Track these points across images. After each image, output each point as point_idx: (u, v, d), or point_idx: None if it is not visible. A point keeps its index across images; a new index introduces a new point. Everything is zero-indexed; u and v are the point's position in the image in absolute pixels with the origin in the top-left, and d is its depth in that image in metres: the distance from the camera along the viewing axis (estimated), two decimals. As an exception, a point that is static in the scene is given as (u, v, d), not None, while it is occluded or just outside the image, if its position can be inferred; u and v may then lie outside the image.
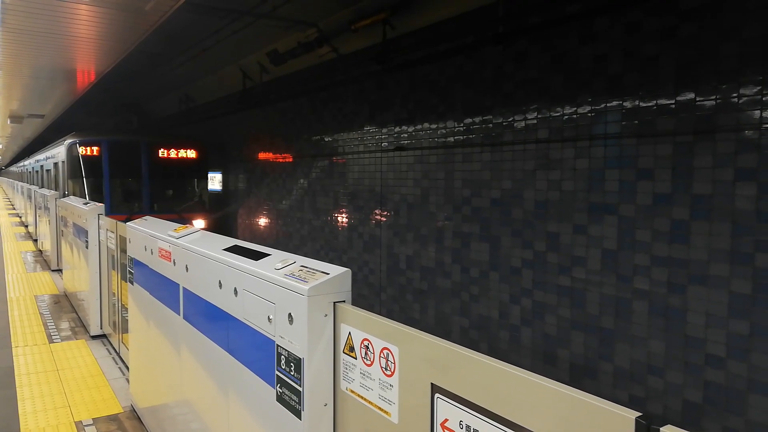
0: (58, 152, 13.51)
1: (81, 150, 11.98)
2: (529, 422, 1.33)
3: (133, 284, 4.32)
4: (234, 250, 2.78)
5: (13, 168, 46.05)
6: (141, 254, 4.06)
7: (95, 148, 12.11)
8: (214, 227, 13.17)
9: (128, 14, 6.15)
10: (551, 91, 5.60)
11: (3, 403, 4.51)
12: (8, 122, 16.01)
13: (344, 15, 7.74)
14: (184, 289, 3.22)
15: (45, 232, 11.81)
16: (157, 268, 3.69)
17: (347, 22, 7.58)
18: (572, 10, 5.30)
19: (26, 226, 18.56)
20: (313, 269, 2.16)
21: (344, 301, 2.05)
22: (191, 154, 13.23)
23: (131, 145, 12.61)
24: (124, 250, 4.86)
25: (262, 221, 12.17)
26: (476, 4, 6.27)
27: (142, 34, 6.90)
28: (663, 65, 4.66)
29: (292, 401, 2.09)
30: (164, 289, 3.54)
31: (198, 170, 13.54)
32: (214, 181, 14.16)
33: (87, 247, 6.41)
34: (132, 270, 4.33)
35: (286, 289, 2.11)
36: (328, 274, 2.06)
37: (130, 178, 12.66)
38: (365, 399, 1.91)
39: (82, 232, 6.68)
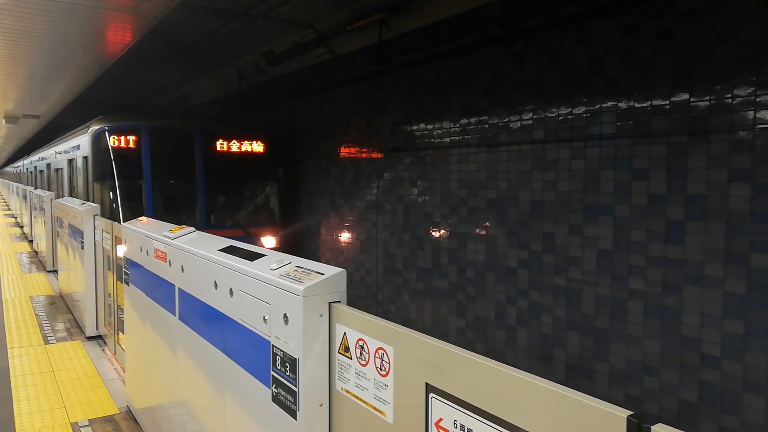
0: (77, 145, 10.08)
1: (112, 141, 8.55)
2: (523, 421, 1.34)
3: (128, 285, 4.31)
4: (229, 250, 2.78)
5: (8, 168, 45.55)
6: (137, 255, 4.05)
7: (132, 139, 8.67)
8: (289, 247, 9.93)
9: (124, 14, 6.14)
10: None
11: (-2, 405, 4.50)
12: (3, 122, 15.95)
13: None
14: (179, 289, 3.22)
15: (40, 232, 11.78)
16: (153, 268, 3.68)
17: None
18: (569, 11, 5.32)
19: (22, 227, 18.50)
20: (309, 269, 2.16)
21: (339, 302, 2.06)
22: (257, 147, 9.74)
23: (181, 135, 9.16)
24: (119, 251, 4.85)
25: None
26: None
27: (138, 34, 6.90)
28: (658, 66, 4.68)
29: (287, 401, 2.09)
30: (160, 290, 3.54)
31: (266, 169, 10.05)
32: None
33: (82, 248, 6.40)
34: (128, 271, 4.33)
35: (281, 290, 2.12)
36: (323, 274, 2.07)
37: (179, 180, 9.26)
38: (360, 399, 1.91)
39: (77, 233, 6.66)
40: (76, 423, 4.21)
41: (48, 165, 15.34)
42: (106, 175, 8.65)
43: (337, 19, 7.88)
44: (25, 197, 16.63)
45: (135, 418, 4.25)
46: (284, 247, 9.70)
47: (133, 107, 16.60)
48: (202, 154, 9.18)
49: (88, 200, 8.77)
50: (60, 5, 5.83)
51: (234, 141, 9.48)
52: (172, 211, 9.05)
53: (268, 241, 9.53)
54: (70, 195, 10.96)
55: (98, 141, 8.74)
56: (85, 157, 9.23)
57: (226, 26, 8.34)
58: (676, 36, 4.56)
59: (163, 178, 9.02)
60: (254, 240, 9.10)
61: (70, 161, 11.07)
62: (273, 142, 10.01)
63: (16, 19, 6.32)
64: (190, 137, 9.11)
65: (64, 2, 5.74)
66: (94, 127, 8.84)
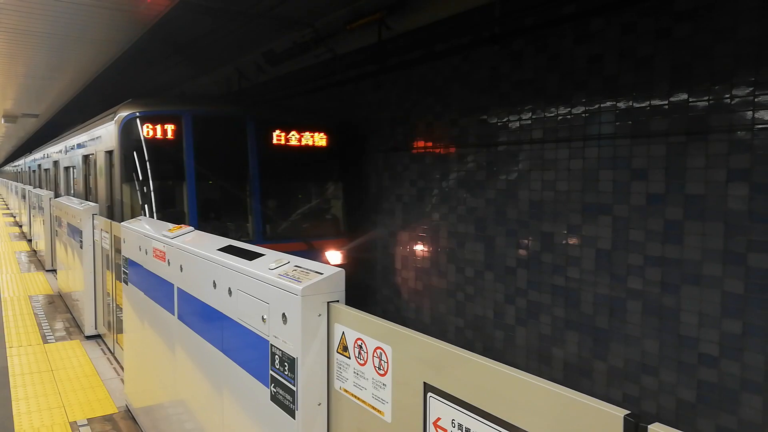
0: (97, 137, 8.18)
1: (146, 130, 6.73)
2: (520, 420, 1.34)
3: (127, 284, 4.31)
4: (228, 250, 2.78)
5: (7, 168, 45.23)
6: (135, 254, 4.05)
7: (170, 128, 6.82)
8: (357, 264, 8.21)
9: (123, 14, 6.14)
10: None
11: (-3, 404, 4.50)
12: (2, 121, 15.94)
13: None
14: (178, 289, 3.22)
15: (39, 232, 11.77)
16: (152, 268, 3.68)
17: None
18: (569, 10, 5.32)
19: (20, 226, 18.49)
20: (307, 269, 2.16)
21: (338, 301, 2.06)
22: (320, 140, 7.85)
23: (232, 123, 7.27)
24: (118, 250, 4.85)
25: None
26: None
27: (138, 33, 6.90)
28: (657, 66, 4.68)
29: (286, 401, 2.10)
30: (159, 289, 3.54)
31: (330, 167, 8.10)
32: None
33: (81, 247, 6.40)
34: (126, 270, 4.33)
35: (279, 289, 2.12)
36: (321, 273, 2.07)
37: (229, 181, 7.32)
38: (359, 398, 1.92)
39: (76, 232, 6.66)
40: (75, 422, 4.21)
41: (55, 163, 13.38)
42: (137, 175, 6.77)
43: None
44: (23, 196, 16.61)
45: (134, 418, 4.25)
46: (352, 263, 7.92)
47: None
48: (257, 147, 7.30)
49: (112, 206, 7.33)
50: (60, 4, 5.83)
51: (293, 132, 7.59)
52: (221, 219, 7.18)
53: (333, 256, 7.71)
54: (85, 198, 9.24)
55: (128, 131, 6.79)
56: (109, 152, 7.38)
57: (225, 25, 8.34)
58: (675, 34, 4.57)
59: (210, 178, 7.11)
60: (318, 255, 7.39)
61: (86, 157, 9.19)
62: (337, 133, 8.11)
63: (15, 18, 6.31)
64: (242, 126, 7.24)
65: (63, 1, 5.74)
66: (123, 114, 6.82)
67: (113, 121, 7.08)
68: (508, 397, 1.37)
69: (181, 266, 3.16)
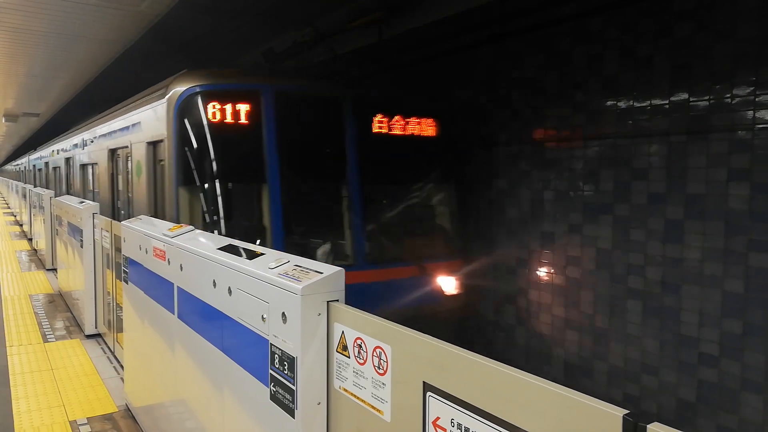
0: (134, 123, 6.18)
1: (211, 112, 4.76)
2: (520, 420, 1.34)
3: (127, 283, 4.32)
4: (228, 249, 2.78)
5: (8, 167, 45.03)
6: (136, 253, 4.06)
7: (244, 109, 4.83)
8: (479, 295, 6.37)
9: (124, 13, 6.14)
10: None
11: (-3, 403, 4.50)
12: (3, 121, 15.95)
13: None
14: (178, 288, 3.22)
15: (40, 231, 11.77)
16: (152, 267, 3.69)
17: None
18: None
19: (21, 225, 18.50)
20: (307, 268, 2.16)
21: (338, 300, 2.06)
22: (428, 128, 5.79)
23: (324, 104, 5.29)
24: (119, 249, 4.86)
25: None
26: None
27: (138, 32, 6.89)
28: (657, 66, 4.67)
29: (285, 400, 2.10)
30: (159, 288, 3.54)
31: (439, 163, 5.99)
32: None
33: (82, 246, 6.40)
34: (127, 269, 4.33)
35: (279, 288, 2.12)
36: (321, 273, 2.07)
37: (322, 186, 5.33)
38: (358, 397, 1.92)
39: (77, 231, 6.66)
40: (75, 421, 4.21)
41: (68, 160, 11.48)
42: (200, 174, 4.80)
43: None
44: (24, 195, 16.61)
45: (134, 417, 4.25)
46: (471, 292, 5.89)
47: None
48: (357, 136, 5.25)
49: (165, 219, 4.84)
50: (60, 3, 5.83)
51: (396, 117, 5.51)
52: (315, 235, 5.12)
53: (449, 283, 5.58)
54: (116, 213, 7.26)
55: (187, 111, 4.82)
56: (153, 143, 5.51)
57: (225, 24, 8.34)
58: (675, 34, 4.55)
59: (301, 179, 5.04)
60: (434, 282, 5.47)
61: (113, 152, 7.26)
62: (447, 121, 6.00)
63: (16, 17, 6.32)
64: (337, 107, 5.23)
65: (64, 0, 5.74)
66: (179, 89, 4.87)
67: (164, 100, 5.07)
68: (507, 397, 1.37)
69: (181, 265, 3.16)
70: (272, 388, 2.19)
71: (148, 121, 5.63)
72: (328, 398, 2.08)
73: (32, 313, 7.39)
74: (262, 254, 2.53)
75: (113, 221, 5.49)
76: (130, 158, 6.35)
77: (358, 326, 1.91)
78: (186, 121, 4.86)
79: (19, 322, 6.89)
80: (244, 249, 2.71)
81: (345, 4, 7.34)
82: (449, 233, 5.95)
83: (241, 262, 2.48)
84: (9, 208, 27.34)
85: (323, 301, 2.04)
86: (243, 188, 5.04)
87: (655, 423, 1.08)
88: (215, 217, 4.78)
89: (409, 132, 5.64)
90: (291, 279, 2.09)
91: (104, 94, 13.74)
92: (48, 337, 6.35)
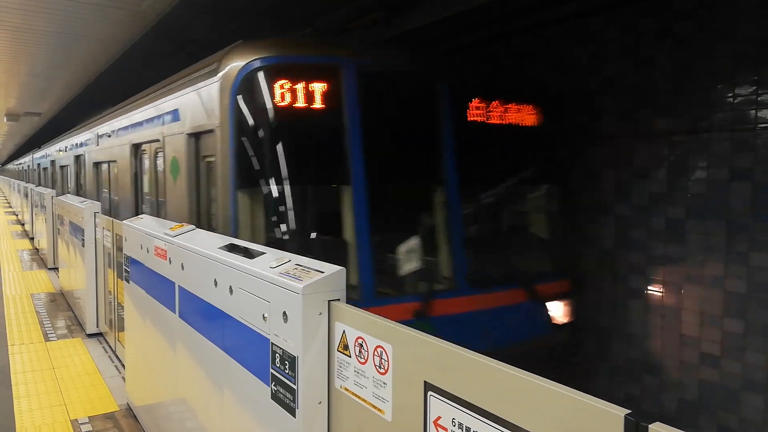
0: (170, 112, 5.01)
1: (279, 92, 3.55)
2: (521, 419, 1.34)
3: (129, 282, 4.32)
4: (230, 248, 2.78)
5: (10, 166, 44.95)
6: (137, 252, 4.06)
7: (320, 88, 3.63)
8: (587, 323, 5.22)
9: (125, 12, 6.15)
10: None
11: (-1, 401, 4.51)
12: (5, 120, 15.97)
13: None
14: (179, 287, 3.22)
15: (41, 230, 11.79)
16: (153, 266, 3.69)
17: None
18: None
19: (23, 224, 18.53)
20: (308, 268, 2.16)
21: (339, 300, 2.06)
22: (527, 117, 4.55)
23: (419, 85, 4.16)
24: (120, 249, 4.86)
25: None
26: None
27: (140, 32, 6.90)
28: (659, 66, 4.66)
29: (286, 399, 2.10)
30: (160, 288, 3.54)
31: (542, 160, 4.88)
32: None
33: (83, 246, 6.41)
34: (128, 268, 4.33)
35: (280, 288, 2.12)
36: (322, 272, 2.07)
37: (416, 183, 4.19)
38: (359, 397, 1.92)
39: (78, 231, 6.67)
40: (76, 420, 4.22)
41: (77, 158, 10.38)
42: (267, 172, 3.64)
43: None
44: (26, 195, 16.63)
45: (135, 416, 4.25)
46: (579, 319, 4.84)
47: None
48: (453, 124, 4.17)
49: (214, 231, 3.86)
50: (61, 2, 5.84)
51: (495, 103, 4.37)
52: (406, 251, 3.98)
53: (560, 312, 4.56)
54: (135, 213, 6.16)
55: (250, 91, 3.72)
56: (197, 135, 4.40)
57: (226, 24, 8.34)
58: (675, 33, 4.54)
59: (387, 183, 3.98)
60: (543, 308, 4.46)
61: (137, 147, 6.14)
62: (547, 110, 4.74)
63: (18, 17, 6.32)
64: (432, 88, 4.15)
65: (66, 0, 5.75)
66: (238, 63, 3.78)
67: (216, 78, 4.02)
68: (508, 396, 1.37)
69: (182, 264, 3.16)
70: (273, 387, 2.19)
71: (190, 107, 4.52)
72: (329, 397, 2.08)
73: (34, 312, 7.40)
74: (263, 253, 2.53)
75: (114, 220, 5.49)
76: (161, 154, 5.21)
77: (359, 326, 1.90)
78: (248, 105, 3.72)
79: (21, 321, 6.90)
80: (245, 248, 2.71)
81: (345, 3, 7.35)
82: (547, 246, 4.82)
83: (243, 261, 2.48)
84: (11, 207, 27.38)
85: (324, 301, 2.04)
86: (324, 192, 3.98)
87: (657, 423, 1.08)
88: (285, 227, 3.60)
89: (506, 121, 4.43)
90: (292, 278, 2.09)
91: (105, 93, 13.74)
92: (49, 336, 6.36)
